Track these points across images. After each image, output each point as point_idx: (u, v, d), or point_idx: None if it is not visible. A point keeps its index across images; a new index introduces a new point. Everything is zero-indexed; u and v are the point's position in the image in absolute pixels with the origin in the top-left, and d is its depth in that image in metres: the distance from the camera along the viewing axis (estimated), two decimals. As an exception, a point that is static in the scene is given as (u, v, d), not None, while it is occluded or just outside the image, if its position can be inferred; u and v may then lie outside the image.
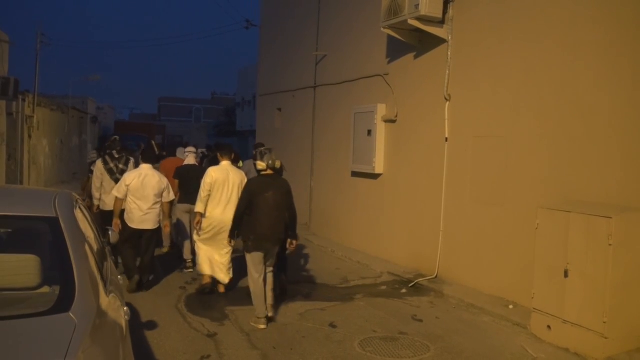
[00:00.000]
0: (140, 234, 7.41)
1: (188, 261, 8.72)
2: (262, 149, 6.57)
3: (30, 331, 2.46)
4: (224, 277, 7.47)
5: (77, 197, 4.28)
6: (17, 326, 2.49)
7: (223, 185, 7.16)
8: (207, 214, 7.23)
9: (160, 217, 7.60)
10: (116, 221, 7.26)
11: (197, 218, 7.22)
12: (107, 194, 8.13)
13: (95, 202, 8.42)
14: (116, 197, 7.32)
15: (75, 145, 28.49)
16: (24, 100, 18.32)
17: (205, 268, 7.46)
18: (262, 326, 6.23)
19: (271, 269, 6.55)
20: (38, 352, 2.31)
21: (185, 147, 11.88)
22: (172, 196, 7.68)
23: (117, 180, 7.88)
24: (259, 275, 6.34)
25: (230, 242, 6.56)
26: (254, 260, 6.34)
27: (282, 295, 7.31)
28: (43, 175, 21.29)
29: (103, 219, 8.00)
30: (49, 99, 23.48)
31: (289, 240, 6.58)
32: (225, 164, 7.36)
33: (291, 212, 6.53)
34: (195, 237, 7.53)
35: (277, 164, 6.49)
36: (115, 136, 9.45)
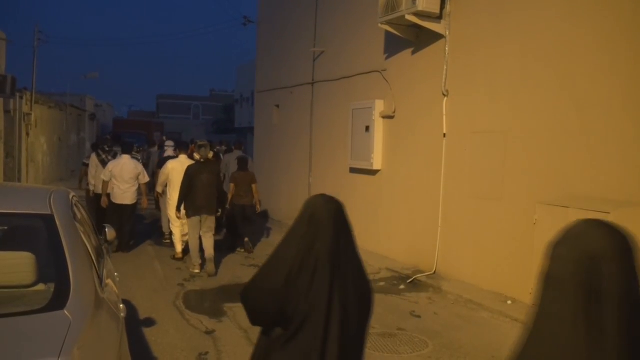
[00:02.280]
0: (121, 208, 9.62)
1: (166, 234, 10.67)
2: (199, 143, 9.07)
3: (24, 329, 2.45)
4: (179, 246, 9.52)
5: (74, 194, 4.26)
6: (12, 324, 2.48)
7: (180, 173, 8.82)
8: (170, 198, 9.36)
9: (137, 195, 9.81)
10: (104, 199, 9.56)
11: (156, 196, 10.36)
12: (100, 180, 9.89)
13: (91, 188, 10.43)
14: (103, 180, 9.56)
15: (74, 143, 28.49)
16: (21, 97, 18.29)
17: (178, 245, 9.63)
18: (197, 270, 8.44)
19: (210, 233, 8.56)
20: (32, 349, 2.29)
21: (165, 141, 14.92)
22: (147, 178, 9.94)
23: None
24: (196, 235, 8.54)
25: (178, 215, 8.73)
26: (192, 224, 8.52)
27: (231, 250, 9.93)
28: (41, 173, 21.27)
29: (97, 201, 9.83)
30: (46, 97, 23.46)
31: (256, 202, 9.92)
32: (182, 157, 9.56)
33: (219, 188, 8.71)
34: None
35: (209, 155, 9.15)
36: (107, 136, 12.10)
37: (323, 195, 2.46)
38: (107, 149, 10.63)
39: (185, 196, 8.42)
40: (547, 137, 6.81)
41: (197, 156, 8.97)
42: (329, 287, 2.21)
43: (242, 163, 10.07)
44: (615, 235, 1.52)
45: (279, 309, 2.21)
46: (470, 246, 7.98)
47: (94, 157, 10.56)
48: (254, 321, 2.35)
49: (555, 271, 1.54)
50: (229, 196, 9.88)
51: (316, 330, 2.19)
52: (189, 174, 8.40)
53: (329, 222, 2.33)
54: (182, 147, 10.03)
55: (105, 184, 9.50)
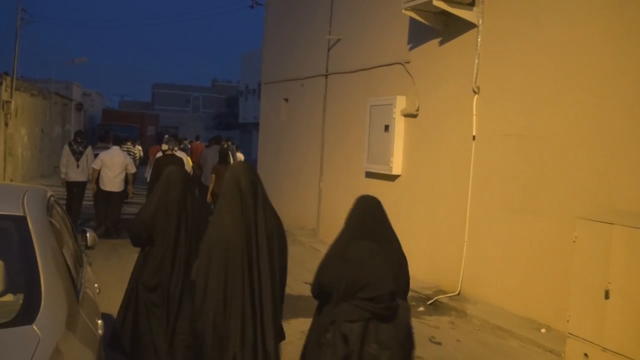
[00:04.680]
0: (109, 194, 11.62)
1: None
2: (167, 138, 12.27)
3: (-14, 345, 2.45)
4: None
5: (52, 193, 4.27)
6: (-27, 339, 2.48)
7: (111, 163, 11.49)
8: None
9: (124, 184, 11.86)
10: (92, 185, 11.68)
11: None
12: (70, 168, 12.10)
13: (62, 176, 12.36)
14: (94, 168, 11.61)
15: (58, 136, 28.64)
16: (0, 83, 18.45)
17: None
18: None
19: None
20: (-6, 369, 2.29)
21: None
22: (134, 169, 12.29)
23: (77, 159, 12.14)
24: None
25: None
26: None
27: None
28: (20, 168, 21.41)
29: (68, 189, 12.23)
30: (29, 83, 23.62)
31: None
32: (115, 148, 12.06)
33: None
34: None
35: (176, 148, 12.45)
36: (81, 129, 15.12)
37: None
38: (80, 140, 12.71)
39: (154, 183, 9.14)
40: (590, 143, 6.74)
41: (163, 147, 11.92)
42: (177, 222, 4.61)
43: (223, 156, 12.41)
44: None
45: (148, 234, 4.63)
46: (500, 265, 7.92)
47: (66, 147, 12.64)
48: (134, 243, 4.84)
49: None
50: (210, 186, 12.21)
51: (168, 244, 4.58)
52: (158, 164, 10.88)
53: (177, 178, 4.78)
54: (118, 139, 12.88)
55: (95, 171, 11.57)
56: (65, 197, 11.95)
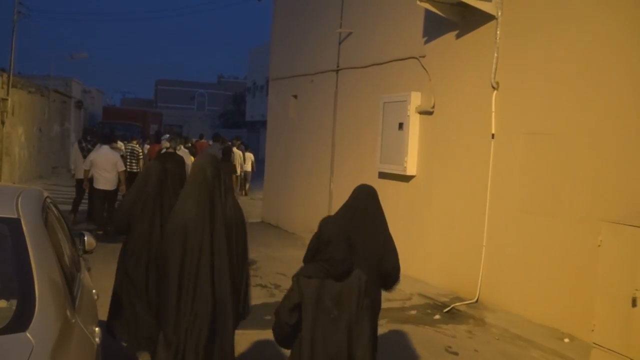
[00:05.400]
0: (104, 192, 12.39)
1: None
2: (168, 137, 12.91)
3: (-22, 353, 2.46)
4: None
5: (48, 194, 4.30)
6: (-36, 347, 2.49)
7: (101, 162, 12.21)
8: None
9: (116, 181, 12.54)
10: (85, 183, 12.57)
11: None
12: (79, 166, 13.27)
13: (72, 172, 14.11)
14: (85, 169, 12.53)
15: (57, 135, 28.84)
16: (-4, 80, 18.60)
17: None
18: None
19: None
20: (-15, 378, 2.31)
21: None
22: (122, 167, 12.63)
23: (86, 157, 12.97)
24: None
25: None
26: None
27: None
28: (17, 169, 21.57)
29: (79, 185, 13.29)
30: (26, 80, 23.83)
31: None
32: (104, 147, 12.62)
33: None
34: None
35: (178, 147, 13.22)
36: (92, 128, 16.63)
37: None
38: (89, 139, 14.12)
39: None
40: (616, 141, 6.71)
41: (164, 145, 12.94)
42: (152, 212, 5.41)
43: (226, 154, 13.04)
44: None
45: (127, 222, 5.51)
46: (520, 270, 7.89)
47: (76, 145, 14.20)
48: (117, 231, 5.99)
49: None
50: None
51: (142, 233, 5.40)
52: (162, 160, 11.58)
53: (154, 173, 5.64)
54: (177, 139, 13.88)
55: (86, 172, 12.50)
56: (75, 197, 13.62)
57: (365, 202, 4.73)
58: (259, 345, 6.33)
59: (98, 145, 13.03)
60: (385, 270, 4.54)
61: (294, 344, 3.67)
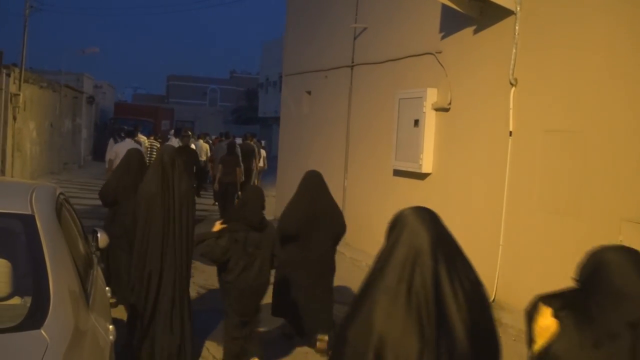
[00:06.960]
0: None
1: None
2: (183, 134, 16.41)
3: (-7, 350, 2.48)
4: None
5: (61, 191, 4.33)
6: (-21, 344, 2.51)
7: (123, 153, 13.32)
8: None
9: None
10: (108, 174, 12.66)
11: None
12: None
13: (107, 165, 14.87)
14: (109, 159, 13.83)
15: (68, 130, 29.01)
16: (8, 75, 18.71)
17: None
18: None
19: None
20: (1, 375, 2.33)
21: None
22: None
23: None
24: None
25: None
26: None
27: None
28: (29, 164, 21.72)
29: None
30: (38, 75, 23.95)
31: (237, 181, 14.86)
32: (128, 140, 14.20)
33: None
34: None
35: (190, 144, 16.45)
36: (131, 128, 17.94)
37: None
38: (123, 135, 16.11)
39: None
40: (638, 140, 6.66)
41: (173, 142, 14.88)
42: (135, 188, 6.23)
43: (231, 148, 15.20)
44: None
45: (113, 198, 7.43)
46: (538, 271, 7.85)
47: (111, 141, 17.08)
48: (104, 204, 7.68)
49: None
50: (217, 175, 14.92)
51: (129, 204, 6.60)
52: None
53: (135, 158, 7.61)
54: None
55: (111, 162, 13.49)
56: None
57: (317, 181, 6.90)
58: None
59: (122, 138, 15.20)
60: (338, 229, 6.88)
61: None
